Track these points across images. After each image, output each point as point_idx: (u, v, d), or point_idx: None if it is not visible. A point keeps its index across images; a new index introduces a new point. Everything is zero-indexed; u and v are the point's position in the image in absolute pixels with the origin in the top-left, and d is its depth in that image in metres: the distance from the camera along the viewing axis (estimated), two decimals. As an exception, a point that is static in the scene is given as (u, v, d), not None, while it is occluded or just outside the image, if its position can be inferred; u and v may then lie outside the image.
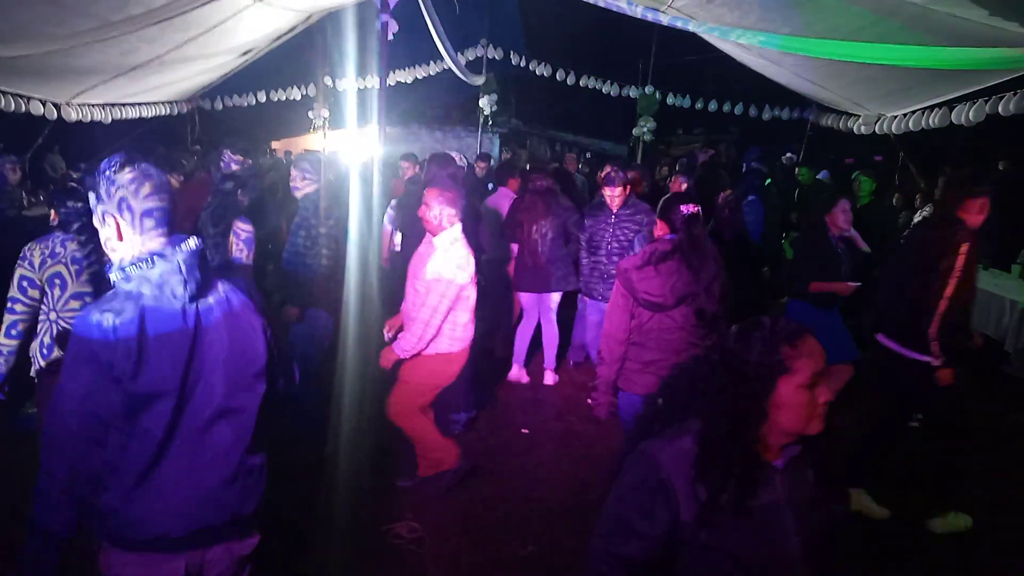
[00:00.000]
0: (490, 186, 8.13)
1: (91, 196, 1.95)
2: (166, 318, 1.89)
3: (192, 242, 1.96)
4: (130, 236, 1.94)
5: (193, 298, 1.95)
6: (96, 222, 1.97)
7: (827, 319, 4.69)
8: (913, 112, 7.56)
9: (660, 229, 3.52)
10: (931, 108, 7.19)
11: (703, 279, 3.34)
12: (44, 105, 7.89)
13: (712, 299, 3.37)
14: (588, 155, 12.58)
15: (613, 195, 5.19)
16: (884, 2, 4.55)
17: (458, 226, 3.90)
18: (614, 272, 5.10)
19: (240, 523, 2.07)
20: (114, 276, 1.90)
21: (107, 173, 1.92)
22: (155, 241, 1.95)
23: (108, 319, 1.81)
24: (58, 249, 3.27)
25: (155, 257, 1.90)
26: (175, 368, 1.89)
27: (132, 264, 1.89)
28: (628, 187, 5.26)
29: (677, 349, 3.34)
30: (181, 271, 1.91)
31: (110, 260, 1.97)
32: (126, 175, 1.91)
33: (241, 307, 2.08)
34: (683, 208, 3.39)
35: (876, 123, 8.35)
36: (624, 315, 3.40)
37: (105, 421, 1.84)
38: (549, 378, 6.00)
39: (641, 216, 5.21)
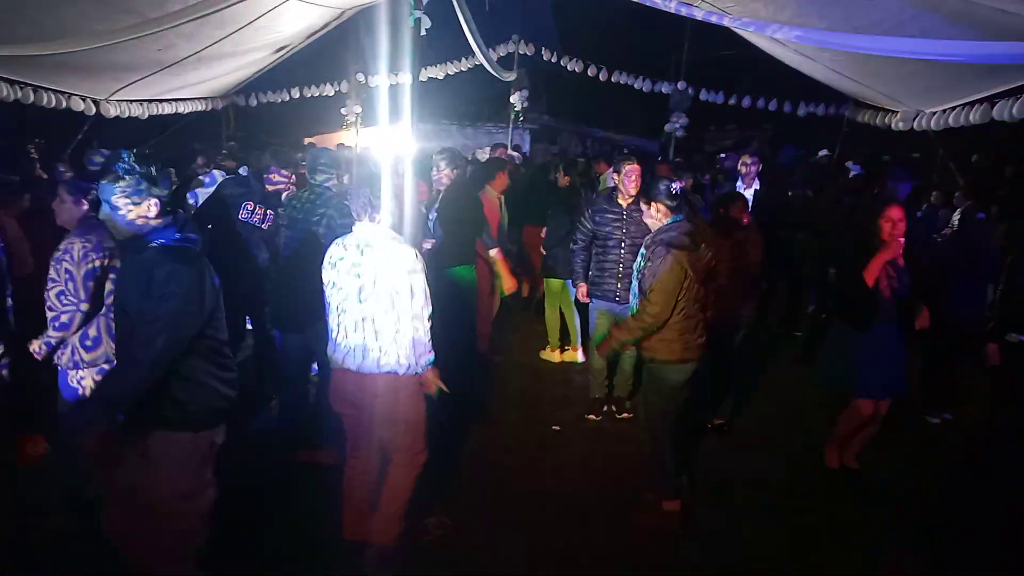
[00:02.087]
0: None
1: (135, 182, 2.45)
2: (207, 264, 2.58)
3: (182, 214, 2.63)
4: (163, 212, 2.52)
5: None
6: (135, 202, 2.46)
7: (875, 342, 4.06)
8: (953, 108, 7.38)
9: (659, 213, 3.69)
10: (971, 104, 6.99)
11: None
12: (84, 101, 8.06)
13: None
14: (626, 150, 12.50)
15: (632, 171, 4.79)
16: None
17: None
18: (621, 271, 4.89)
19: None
20: (166, 237, 2.50)
21: (147, 165, 2.49)
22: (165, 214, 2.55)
23: (197, 271, 2.48)
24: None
25: (186, 225, 2.57)
26: (220, 297, 2.62)
27: (181, 229, 2.53)
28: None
29: (715, 307, 3.83)
30: (198, 234, 2.60)
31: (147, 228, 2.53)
32: (156, 167, 2.52)
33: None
34: (673, 185, 3.67)
35: (915, 119, 8.18)
36: (677, 294, 3.57)
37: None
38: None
39: None
